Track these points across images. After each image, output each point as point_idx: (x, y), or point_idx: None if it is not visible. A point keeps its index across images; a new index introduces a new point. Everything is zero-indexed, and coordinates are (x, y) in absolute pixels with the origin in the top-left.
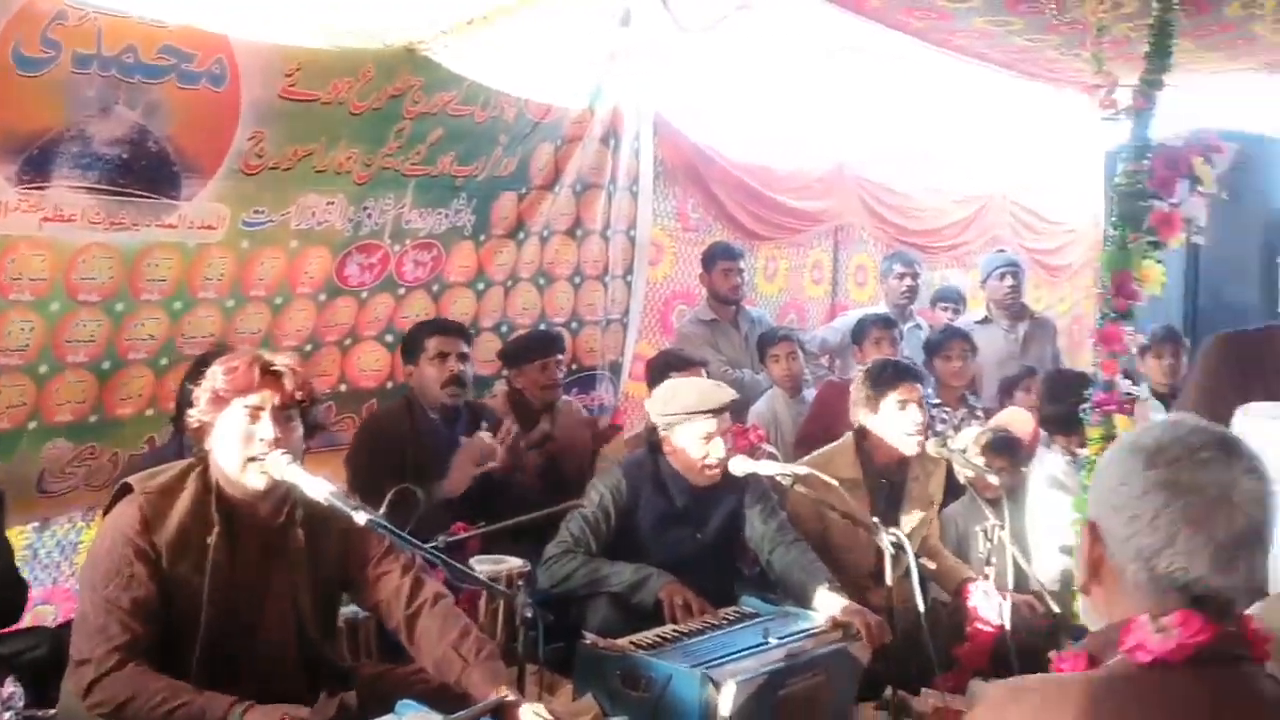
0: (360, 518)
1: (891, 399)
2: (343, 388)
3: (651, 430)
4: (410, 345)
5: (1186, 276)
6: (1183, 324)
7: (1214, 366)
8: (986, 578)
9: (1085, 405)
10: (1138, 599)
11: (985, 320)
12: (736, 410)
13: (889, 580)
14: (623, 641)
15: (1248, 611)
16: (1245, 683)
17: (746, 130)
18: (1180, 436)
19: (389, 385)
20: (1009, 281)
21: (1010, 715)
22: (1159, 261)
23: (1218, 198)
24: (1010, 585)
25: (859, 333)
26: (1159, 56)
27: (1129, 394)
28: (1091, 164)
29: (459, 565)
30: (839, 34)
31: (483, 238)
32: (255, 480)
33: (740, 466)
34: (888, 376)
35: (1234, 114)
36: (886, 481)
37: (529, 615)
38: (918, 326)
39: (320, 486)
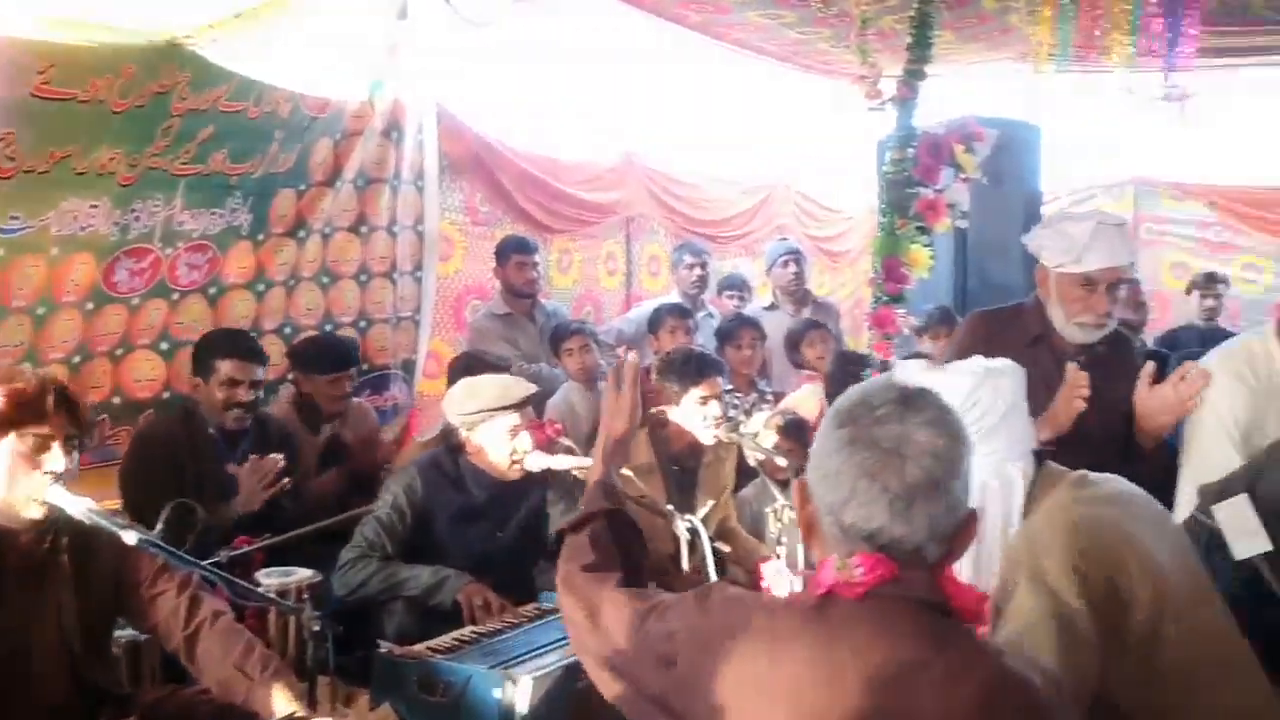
0: (129, 536)
1: (694, 394)
2: (116, 400)
3: (450, 431)
4: (200, 360)
5: (955, 259)
6: (954, 304)
7: (966, 344)
8: (778, 557)
9: None
10: (838, 551)
11: (772, 307)
12: (535, 404)
13: (685, 565)
14: (419, 647)
15: None
16: (915, 622)
17: (533, 122)
18: (866, 395)
19: (165, 395)
20: (793, 268)
21: (712, 606)
22: (927, 245)
23: (980, 182)
24: (801, 564)
25: (655, 322)
26: (920, 48)
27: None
28: (866, 153)
29: (238, 581)
30: (620, 26)
31: (261, 237)
32: (34, 511)
33: (536, 462)
34: (691, 371)
35: (994, 101)
36: (680, 468)
37: (316, 629)
38: (710, 315)
39: (80, 504)
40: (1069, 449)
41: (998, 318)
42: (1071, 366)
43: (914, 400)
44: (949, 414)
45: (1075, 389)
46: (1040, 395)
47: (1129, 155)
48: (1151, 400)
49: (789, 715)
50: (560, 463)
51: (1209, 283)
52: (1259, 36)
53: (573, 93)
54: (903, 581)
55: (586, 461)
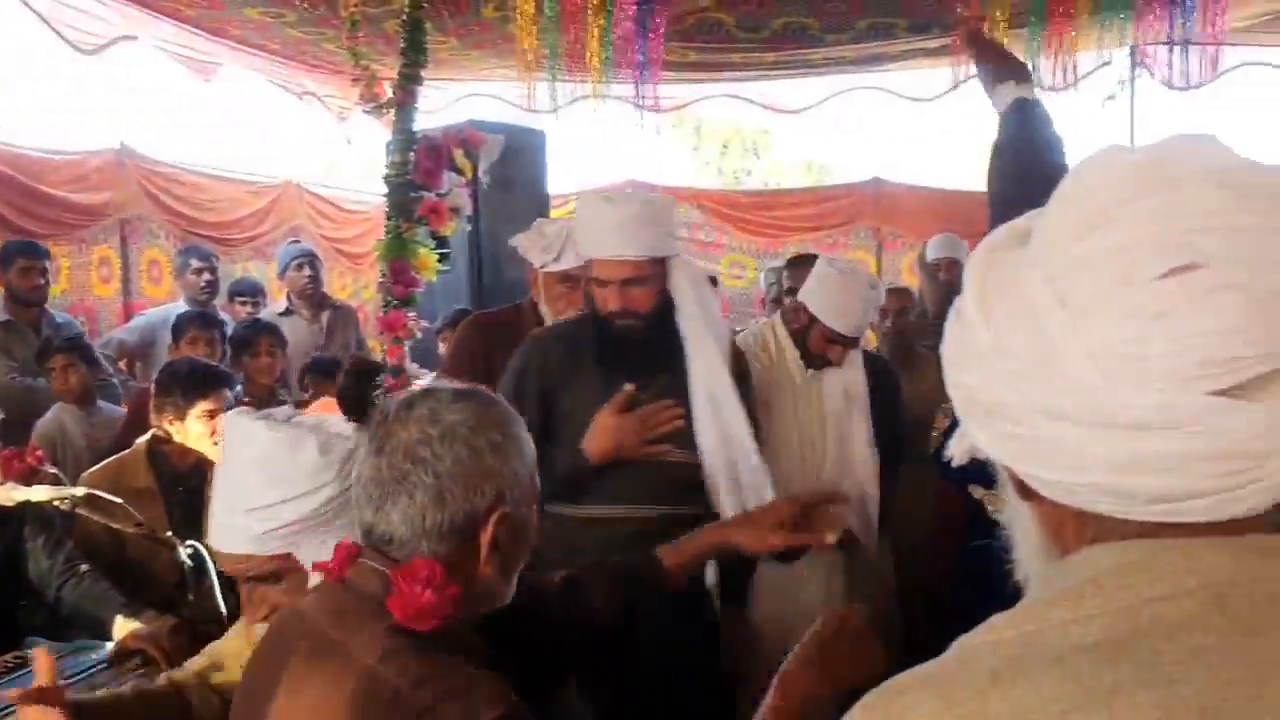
0: None
1: (199, 409)
2: None
3: None
4: None
5: (471, 260)
6: (472, 305)
7: (463, 347)
8: None
9: (378, 391)
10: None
11: (288, 311)
12: (24, 426)
13: (191, 595)
14: None
15: None
16: (339, 617)
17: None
18: (393, 399)
19: None
20: (307, 271)
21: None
22: (434, 249)
23: (489, 186)
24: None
25: (177, 331)
26: (414, 51)
27: (418, 378)
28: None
29: None
30: (109, 19)
31: None
32: None
33: (8, 495)
34: (194, 384)
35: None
36: (184, 489)
37: None
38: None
39: None
40: None
41: (494, 319)
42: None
43: (415, 402)
44: (452, 413)
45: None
46: None
47: (627, 160)
48: None
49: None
50: (38, 494)
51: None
52: (734, 54)
53: (54, 88)
54: (356, 570)
55: (71, 491)
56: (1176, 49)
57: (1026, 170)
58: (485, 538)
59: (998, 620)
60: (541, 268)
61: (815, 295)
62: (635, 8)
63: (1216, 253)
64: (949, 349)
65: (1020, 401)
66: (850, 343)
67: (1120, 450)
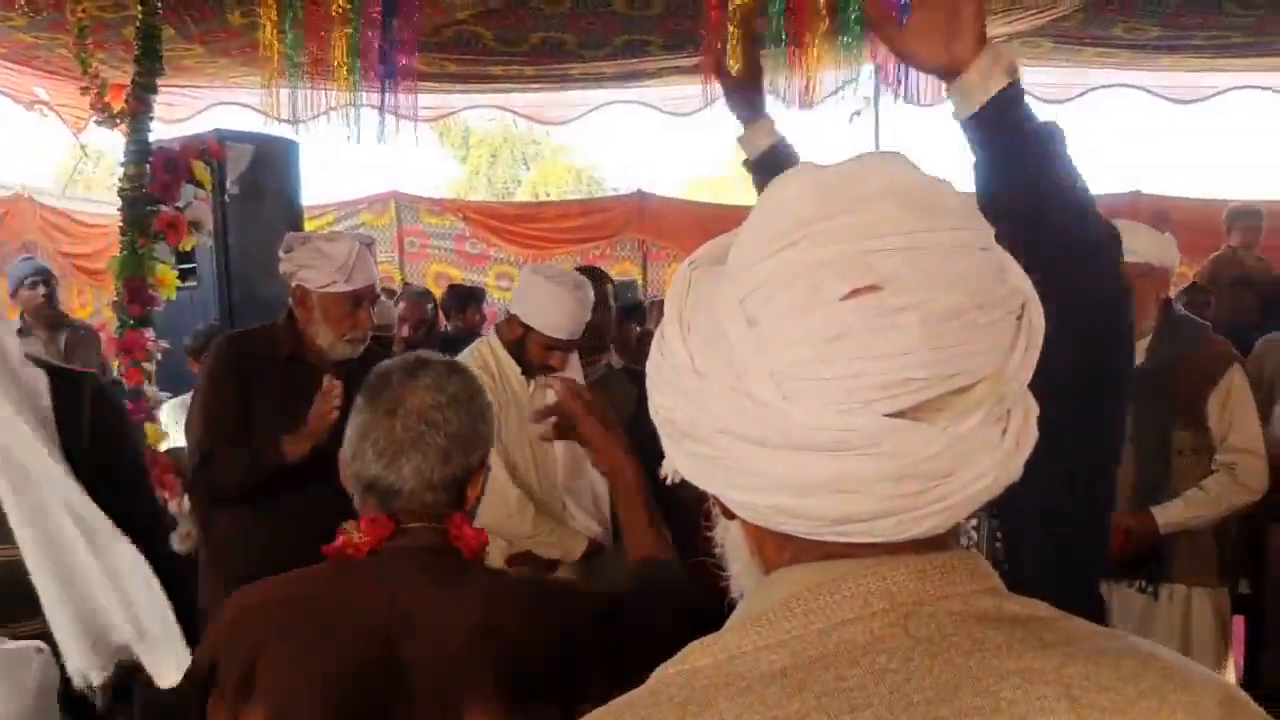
0: None
1: None
2: None
3: None
4: None
5: (220, 275)
6: (223, 322)
7: (215, 367)
8: None
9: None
10: (364, 507)
11: (22, 332)
12: None
13: None
14: None
15: None
16: (416, 568)
17: None
18: (387, 368)
19: None
20: (41, 290)
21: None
22: (176, 265)
23: (240, 198)
24: None
25: None
26: (148, 59)
27: (159, 402)
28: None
29: None
30: None
31: None
32: None
33: None
34: None
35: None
36: None
37: None
38: None
39: None
40: None
41: (249, 338)
42: (327, 378)
43: (420, 369)
44: (453, 379)
45: (330, 399)
46: (300, 409)
47: (390, 171)
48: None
49: (294, 675)
50: None
51: (468, 299)
52: (494, 66)
53: None
54: (404, 534)
55: None
56: (906, 69)
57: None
58: (473, 491)
59: (695, 647)
60: (322, 288)
61: (525, 304)
62: (382, 18)
63: (896, 274)
64: (650, 370)
65: (711, 422)
66: (568, 347)
67: (803, 472)
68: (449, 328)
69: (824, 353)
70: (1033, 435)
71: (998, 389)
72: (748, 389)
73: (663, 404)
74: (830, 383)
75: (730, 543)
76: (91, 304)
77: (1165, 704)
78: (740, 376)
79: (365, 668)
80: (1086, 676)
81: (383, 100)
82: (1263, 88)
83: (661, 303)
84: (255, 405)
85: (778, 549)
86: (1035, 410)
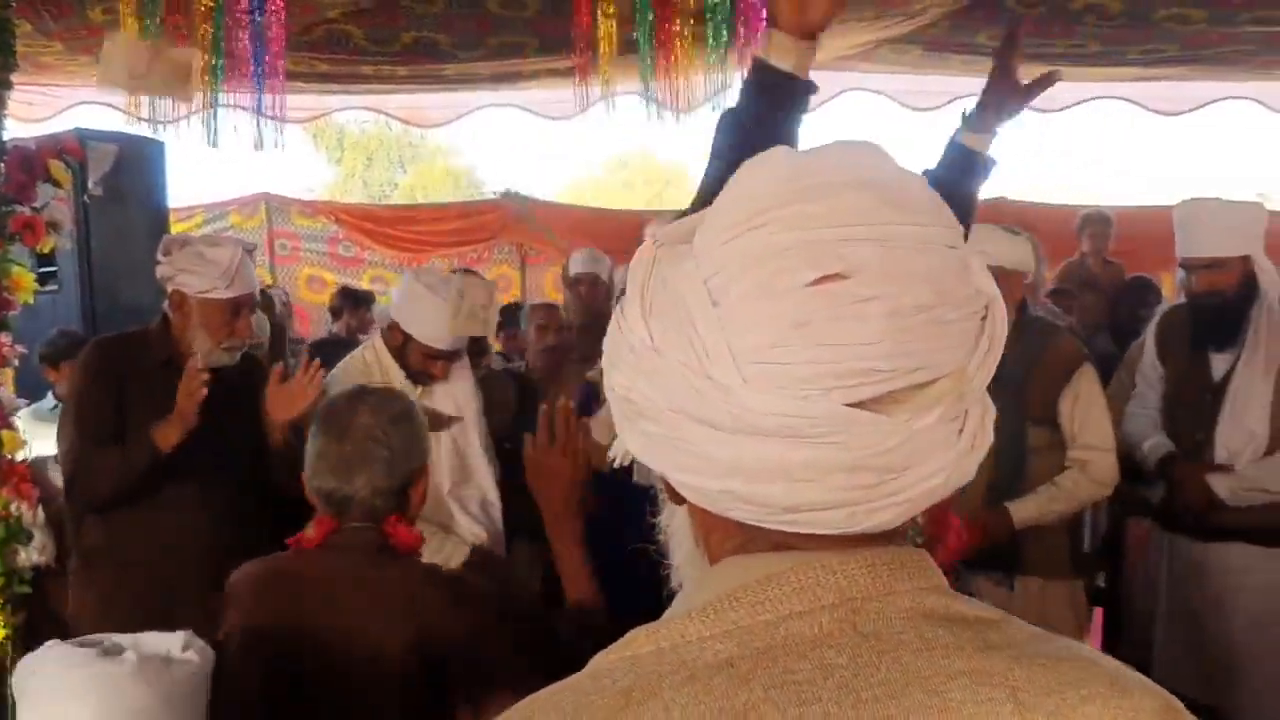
0: None
1: None
2: None
3: None
4: None
5: (81, 279)
6: (85, 328)
7: (90, 373)
8: None
9: None
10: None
11: None
12: None
13: None
14: None
15: None
16: (355, 558)
17: None
18: (334, 398)
19: None
20: None
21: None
22: (34, 268)
23: (102, 199)
24: None
25: None
26: (1, 54)
27: (17, 408)
28: None
29: None
30: None
31: None
32: None
33: None
34: None
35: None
36: None
37: None
38: None
39: None
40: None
41: (120, 343)
42: (191, 360)
43: (363, 396)
44: (391, 403)
45: (196, 378)
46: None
47: (262, 172)
48: (279, 394)
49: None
50: None
51: (359, 301)
52: (365, 66)
53: None
54: (344, 531)
55: None
56: None
57: None
58: (416, 494)
59: (639, 634)
60: (201, 294)
61: (407, 313)
62: (248, 16)
63: (864, 263)
64: (608, 347)
65: (667, 402)
66: (451, 357)
67: (758, 456)
68: (335, 329)
69: (787, 338)
70: (988, 437)
71: (958, 387)
72: (707, 370)
73: (620, 382)
74: (790, 368)
75: (675, 531)
76: None
77: (1107, 709)
78: (700, 357)
79: (304, 620)
80: (1031, 680)
81: (258, 101)
82: (1119, 98)
83: (547, 305)
84: (130, 412)
85: (724, 537)
86: (993, 412)
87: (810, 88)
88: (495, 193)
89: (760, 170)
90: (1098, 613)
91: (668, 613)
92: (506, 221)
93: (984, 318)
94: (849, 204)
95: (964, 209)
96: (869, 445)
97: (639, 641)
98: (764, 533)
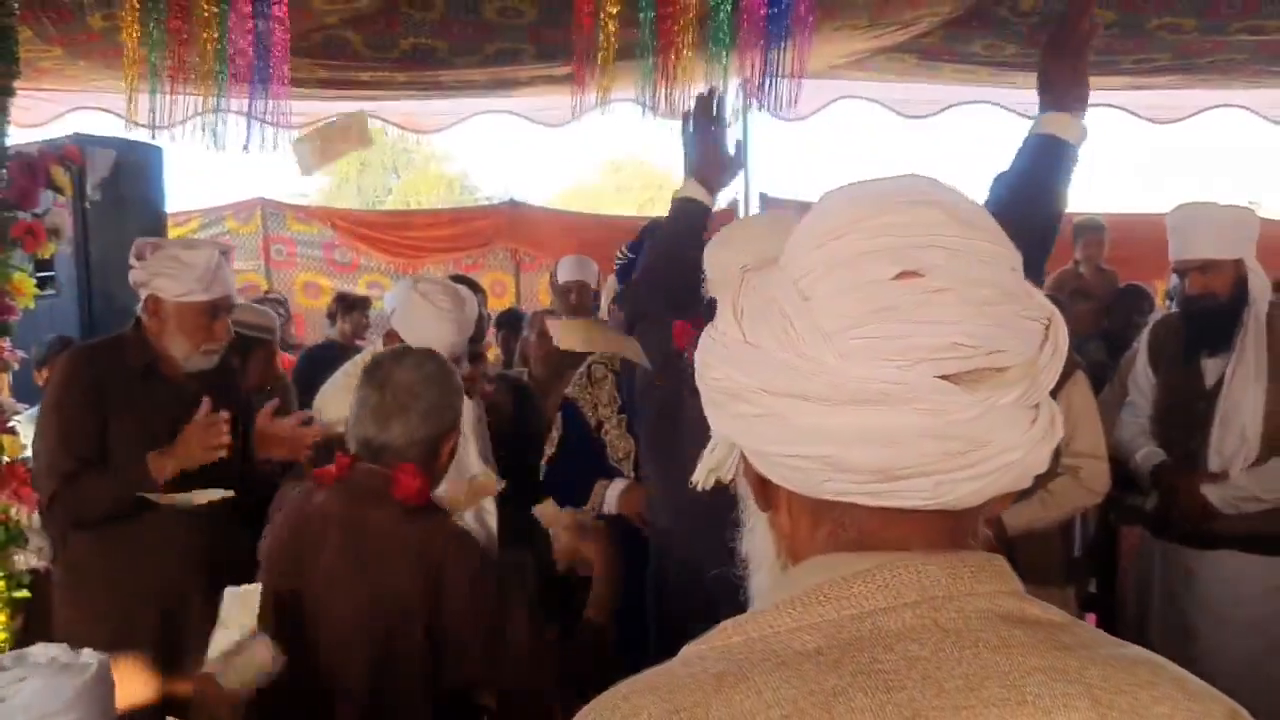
0: None
1: None
2: None
3: None
4: None
5: (80, 284)
6: (83, 332)
7: (66, 379)
8: None
9: None
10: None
11: None
12: None
13: None
14: None
15: None
16: (357, 502)
17: None
18: (380, 355)
19: None
20: None
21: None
22: (34, 273)
23: (100, 205)
24: None
25: None
26: (4, 61)
27: (17, 413)
28: None
29: None
30: None
31: None
32: None
33: None
34: None
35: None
36: None
37: None
38: None
39: None
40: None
41: (99, 350)
42: (206, 402)
43: (403, 354)
44: (429, 363)
45: (216, 433)
46: (158, 424)
47: (256, 178)
48: (269, 435)
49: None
50: None
51: (352, 307)
52: (363, 72)
53: None
54: (356, 469)
55: None
56: (770, 83)
57: (1022, 215)
58: (446, 448)
59: (727, 625)
60: (178, 298)
61: (405, 323)
62: (252, 22)
63: (935, 264)
64: (701, 352)
65: (759, 383)
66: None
67: (851, 423)
68: (332, 334)
69: (877, 319)
70: (1058, 435)
71: (1032, 374)
72: (802, 351)
73: (714, 376)
74: (884, 341)
75: (757, 545)
76: None
77: (1178, 710)
78: (795, 341)
79: (304, 538)
80: (1107, 679)
81: (250, 107)
82: (1112, 106)
83: (542, 313)
84: (111, 421)
85: (812, 528)
86: (1060, 417)
87: None
88: (489, 198)
89: (840, 194)
90: (1090, 619)
91: (752, 609)
92: (501, 227)
93: (1047, 326)
94: (925, 218)
95: (1047, 205)
96: (953, 413)
97: (728, 632)
98: (852, 517)
